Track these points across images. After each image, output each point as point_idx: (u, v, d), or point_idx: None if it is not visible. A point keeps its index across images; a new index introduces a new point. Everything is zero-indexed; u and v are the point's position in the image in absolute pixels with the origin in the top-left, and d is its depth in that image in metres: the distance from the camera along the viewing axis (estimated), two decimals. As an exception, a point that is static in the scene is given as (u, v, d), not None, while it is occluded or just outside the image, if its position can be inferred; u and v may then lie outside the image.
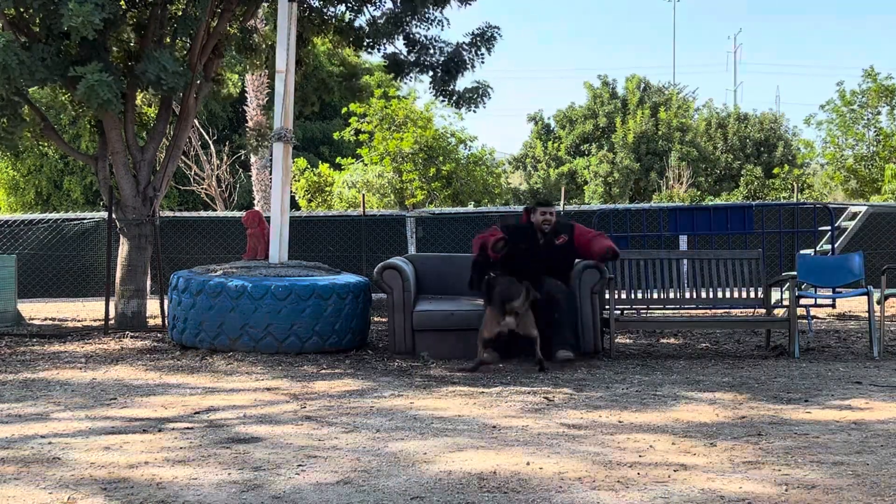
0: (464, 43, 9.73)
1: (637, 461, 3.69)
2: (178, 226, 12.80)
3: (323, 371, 6.40)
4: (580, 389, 5.54)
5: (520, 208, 8.45)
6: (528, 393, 5.42)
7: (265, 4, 10.26)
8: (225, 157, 19.72)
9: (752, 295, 7.73)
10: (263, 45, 10.51)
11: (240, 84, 18.25)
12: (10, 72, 7.45)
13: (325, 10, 9.95)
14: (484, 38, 9.75)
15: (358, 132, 18.26)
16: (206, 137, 19.08)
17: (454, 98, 9.84)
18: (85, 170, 21.66)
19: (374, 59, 23.49)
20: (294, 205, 17.33)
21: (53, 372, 6.32)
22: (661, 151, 26.23)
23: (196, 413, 4.80)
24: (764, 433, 4.23)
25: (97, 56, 7.99)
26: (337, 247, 12.40)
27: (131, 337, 8.45)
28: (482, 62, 9.78)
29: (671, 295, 7.90)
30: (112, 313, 9.07)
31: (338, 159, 20.30)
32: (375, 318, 9.35)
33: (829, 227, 9.91)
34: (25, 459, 3.76)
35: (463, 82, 9.88)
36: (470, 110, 9.96)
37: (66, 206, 21.51)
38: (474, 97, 9.85)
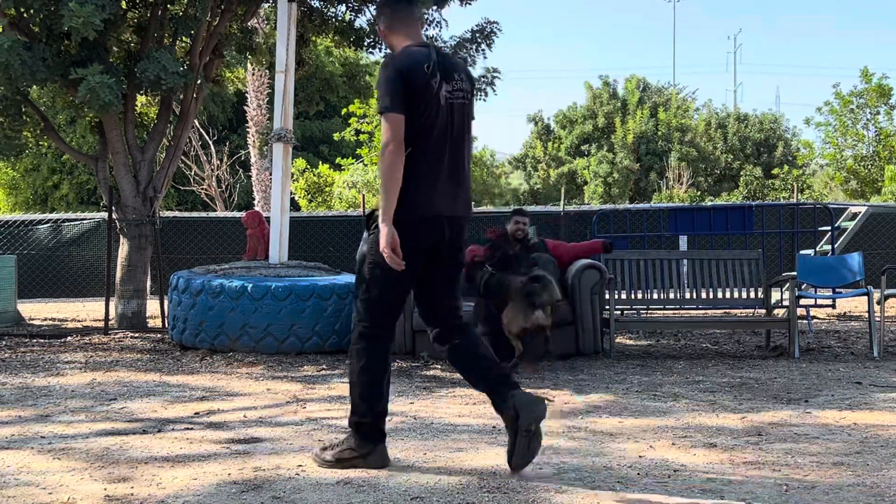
0: (464, 39, 9.72)
1: (637, 461, 3.69)
2: (178, 226, 12.81)
3: (323, 371, 6.40)
4: (580, 390, 5.54)
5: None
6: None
7: (266, 4, 10.26)
8: (225, 158, 19.72)
9: (752, 295, 7.73)
10: (264, 45, 10.51)
11: (245, 78, 18.23)
12: (12, 71, 7.46)
13: (325, 10, 9.95)
14: (484, 35, 9.75)
15: (358, 132, 18.27)
16: (206, 138, 19.09)
17: None
18: (77, 170, 21.66)
19: (375, 58, 23.53)
20: (294, 205, 17.34)
21: (53, 372, 6.32)
22: (660, 152, 26.25)
23: (196, 413, 4.80)
24: (764, 433, 4.23)
25: (97, 56, 7.99)
26: (337, 247, 12.41)
27: (131, 337, 8.45)
28: (484, 57, 9.78)
29: (671, 295, 7.91)
30: (112, 313, 9.06)
31: (338, 160, 20.31)
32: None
33: (829, 228, 9.91)
34: (25, 460, 3.76)
35: (468, 74, 9.86)
36: (479, 99, 9.96)
37: (61, 207, 21.53)
38: (482, 86, 9.84)
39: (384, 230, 3.45)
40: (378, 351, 3.61)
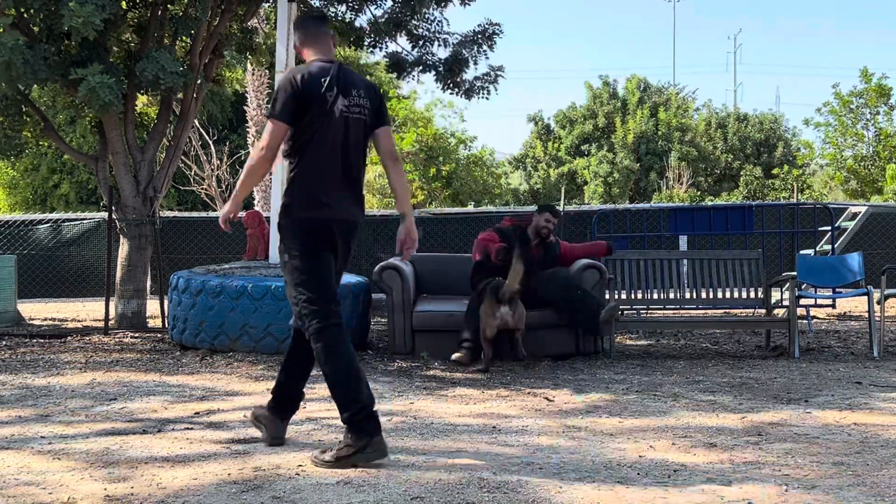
0: (465, 40, 9.71)
1: (637, 461, 3.69)
2: (178, 226, 12.81)
3: (323, 371, 6.39)
4: (580, 390, 5.55)
5: (520, 209, 8.46)
6: (529, 394, 5.42)
7: (266, 4, 10.26)
8: (225, 158, 19.72)
9: (752, 295, 7.72)
10: (264, 46, 10.50)
11: (244, 78, 18.19)
12: (14, 70, 7.45)
13: (325, 10, 9.95)
14: (486, 36, 9.74)
15: (358, 132, 18.23)
16: (206, 137, 19.08)
17: (464, 89, 9.80)
18: (78, 169, 21.63)
19: (375, 58, 23.53)
20: (294, 205, 17.31)
21: (53, 372, 6.32)
22: (660, 151, 26.24)
23: (196, 413, 4.81)
24: (764, 433, 4.23)
25: (97, 56, 7.99)
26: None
27: (131, 337, 8.45)
28: (486, 58, 9.77)
29: (671, 295, 7.90)
30: (112, 313, 9.06)
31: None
32: (376, 318, 9.34)
33: (829, 228, 9.91)
34: (25, 460, 3.76)
35: (472, 73, 9.84)
36: (482, 97, 9.92)
37: (61, 206, 21.51)
38: (485, 85, 9.81)
39: (227, 205, 4.02)
40: (338, 339, 3.77)
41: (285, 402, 4.06)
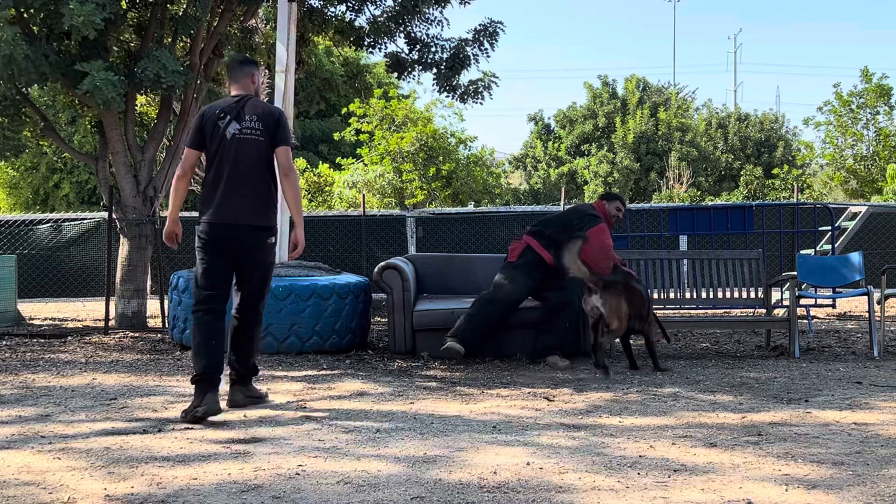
0: (467, 39, 9.70)
1: (637, 461, 3.69)
2: (178, 226, 12.78)
3: (323, 371, 6.40)
4: (580, 390, 5.55)
5: (520, 209, 8.41)
6: (529, 393, 5.42)
7: (266, 4, 10.26)
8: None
9: (753, 295, 7.72)
10: (264, 45, 10.50)
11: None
12: (15, 66, 7.43)
13: (325, 10, 9.95)
14: (487, 34, 9.73)
15: (358, 132, 18.26)
16: (207, 137, 19.05)
17: (459, 92, 9.81)
18: (78, 169, 21.62)
19: (375, 58, 23.51)
20: (294, 205, 17.29)
21: (53, 372, 6.32)
22: (660, 151, 26.23)
23: (196, 413, 4.80)
24: (764, 433, 4.23)
25: (98, 56, 7.99)
26: (337, 247, 12.41)
27: (131, 337, 8.45)
28: (488, 57, 9.76)
29: (671, 295, 7.90)
30: (112, 313, 9.07)
31: (338, 159, 20.27)
32: (376, 318, 9.34)
33: (829, 228, 9.91)
34: (25, 460, 3.76)
35: (466, 76, 9.86)
36: (476, 103, 9.95)
37: (62, 206, 21.49)
38: (479, 89, 9.83)
39: (167, 224, 4.86)
40: (202, 321, 4.69)
41: (238, 369, 4.99)
